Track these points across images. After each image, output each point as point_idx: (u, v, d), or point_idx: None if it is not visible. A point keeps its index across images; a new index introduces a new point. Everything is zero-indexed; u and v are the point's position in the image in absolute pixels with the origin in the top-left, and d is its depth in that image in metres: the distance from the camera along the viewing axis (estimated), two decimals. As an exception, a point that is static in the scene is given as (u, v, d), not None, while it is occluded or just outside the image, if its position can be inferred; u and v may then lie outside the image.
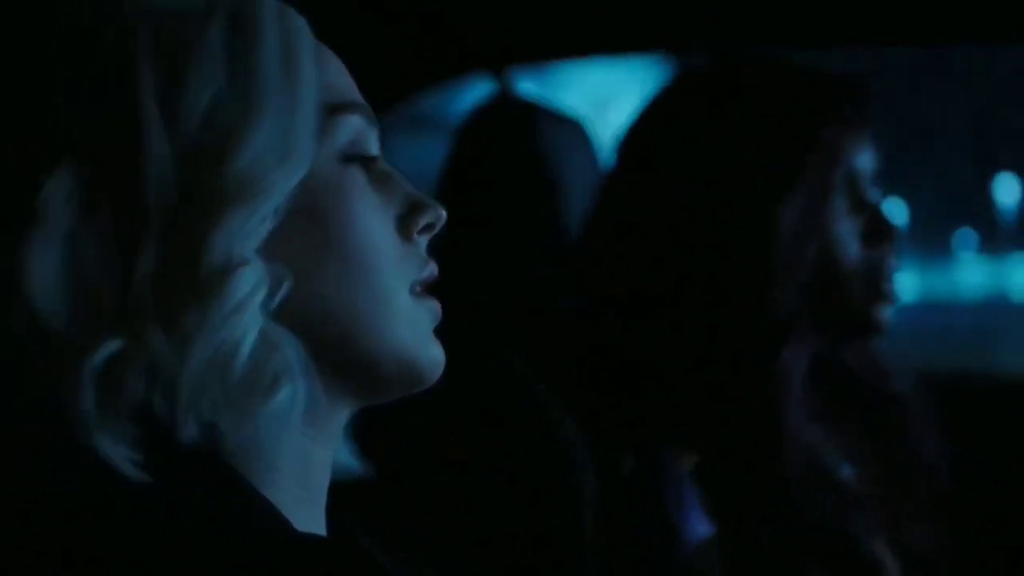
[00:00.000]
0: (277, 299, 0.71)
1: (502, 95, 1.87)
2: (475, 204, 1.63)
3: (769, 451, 1.26)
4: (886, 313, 1.33)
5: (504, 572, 1.17)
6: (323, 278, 0.74)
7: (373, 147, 0.79)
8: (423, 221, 0.79)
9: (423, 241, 0.79)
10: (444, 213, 0.80)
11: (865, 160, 1.32)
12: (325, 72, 0.78)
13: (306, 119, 0.74)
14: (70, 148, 0.71)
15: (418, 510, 1.11)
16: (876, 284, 1.31)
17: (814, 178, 1.28)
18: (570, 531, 1.21)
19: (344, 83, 0.79)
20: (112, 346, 0.68)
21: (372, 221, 0.76)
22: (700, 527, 1.27)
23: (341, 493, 0.80)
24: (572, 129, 1.69)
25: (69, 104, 0.71)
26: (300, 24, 0.78)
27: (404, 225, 0.78)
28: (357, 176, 0.76)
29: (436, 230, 0.80)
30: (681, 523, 1.26)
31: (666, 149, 1.33)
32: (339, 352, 0.75)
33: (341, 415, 0.78)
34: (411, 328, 0.77)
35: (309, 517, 0.75)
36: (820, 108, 1.30)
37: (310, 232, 0.74)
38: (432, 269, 0.79)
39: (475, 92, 1.85)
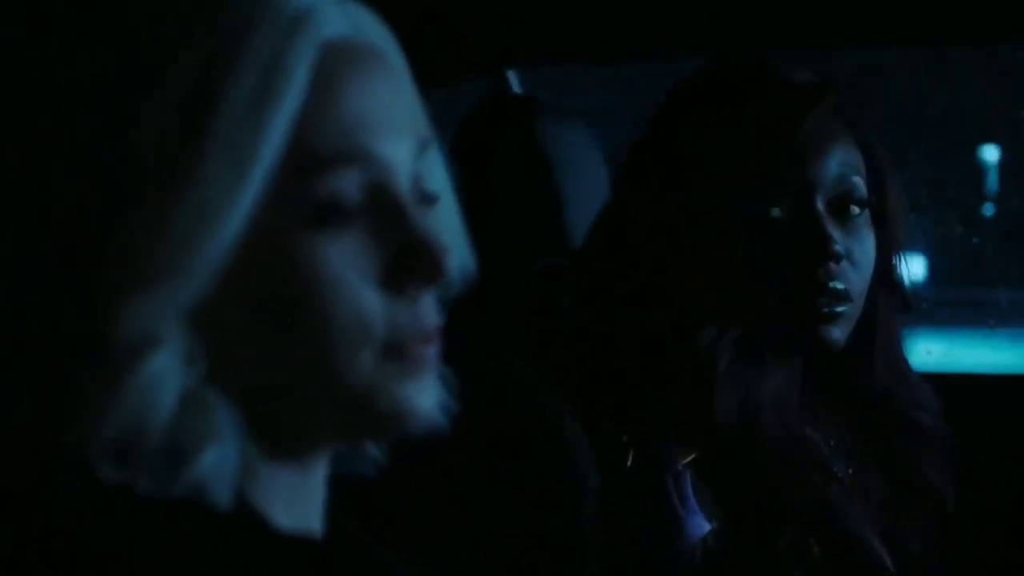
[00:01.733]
0: (196, 373, 0.66)
1: (503, 93, 1.87)
2: (476, 202, 1.63)
3: (732, 438, 1.26)
4: (819, 331, 1.27)
5: (505, 571, 1.17)
6: (264, 344, 0.68)
7: (384, 190, 0.70)
8: (415, 276, 0.70)
9: (423, 294, 0.71)
10: (446, 264, 0.70)
11: (819, 172, 1.28)
12: (340, 108, 0.69)
13: (257, 178, 0.66)
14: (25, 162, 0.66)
15: (419, 509, 1.11)
16: (804, 300, 1.27)
17: (751, 185, 1.26)
18: (571, 530, 1.21)
19: (366, 120, 0.70)
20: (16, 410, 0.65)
21: (334, 287, 0.68)
22: (701, 524, 1.27)
23: (343, 493, 0.80)
24: (574, 127, 1.69)
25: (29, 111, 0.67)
26: (309, 43, 0.68)
27: (393, 277, 0.70)
28: (324, 236, 0.68)
29: (437, 283, 0.71)
30: (682, 520, 1.26)
31: (657, 149, 1.34)
32: (288, 412, 0.70)
33: (322, 451, 0.76)
34: (372, 389, 0.70)
35: (299, 518, 0.74)
36: (787, 114, 1.28)
37: (255, 296, 0.67)
38: (425, 325, 0.71)
39: (476, 92, 1.85)
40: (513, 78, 1.91)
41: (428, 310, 0.72)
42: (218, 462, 0.66)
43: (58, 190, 0.65)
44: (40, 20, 0.68)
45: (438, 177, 0.76)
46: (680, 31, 1.75)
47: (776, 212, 1.27)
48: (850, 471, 1.34)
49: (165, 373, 0.65)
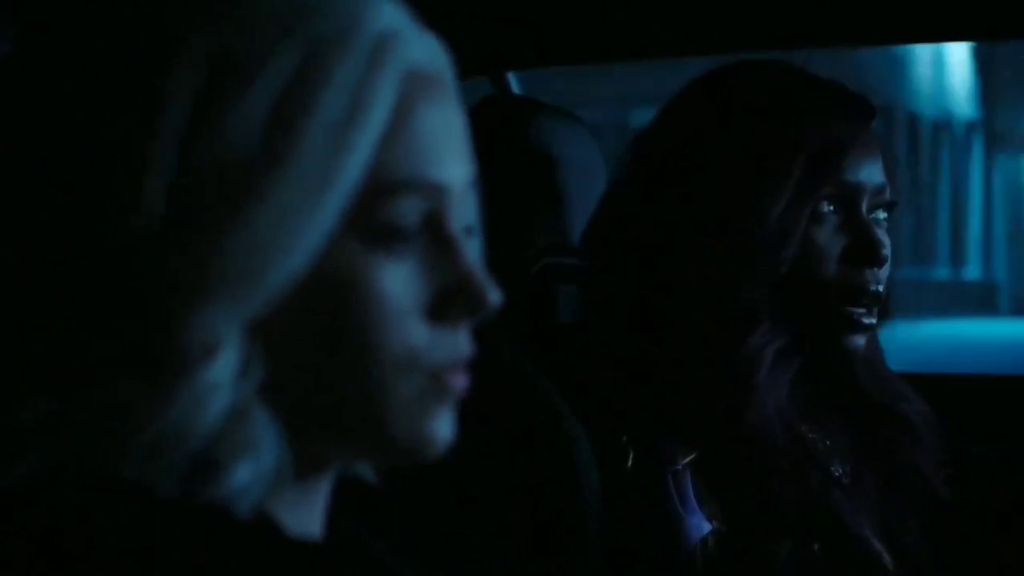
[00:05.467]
0: (249, 385, 0.66)
1: (502, 94, 1.87)
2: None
3: (742, 443, 1.27)
4: (856, 334, 1.30)
5: (508, 569, 1.17)
6: (312, 361, 0.68)
7: (439, 220, 0.71)
8: (457, 308, 0.70)
9: (463, 325, 0.71)
10: (491, 300, 0.71)
11: (867, 175, 1.31)
12: (413, 136, 0.69)
13: (335, 200, 0.66)
14: (73, 165, 0.65)
15: (419, 508, 1.11)
16: (849, 304, 1.29)
17: (801, 183, 1.27)
18: (573, 529, 1.21)
19: (434, 148, 0.70)
20: (41, 408, 0.64)
21: (385, 312, 0.68)
22: (701, 523, 1.27)
23: (343, 493, 0.79)
24: (572, 126, 1.69)
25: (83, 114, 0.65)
26: (393, 69, 0.68)
27: (439, 308, 0.70)
28: (384, 262, 0.68)
29: (478, 317, 0.71)
30: (682, 520, 1.26)
31: (664, 148, 1.34)
32: (322, 429, 0.70)
33: (338, 465, 0.76)
34: (406, 416, 0.70)
35: (301, 522, 0.74)
36: (817, 116, 1.30)
37: (310, 315, 0.67)
38: (460, 355, 0.71)
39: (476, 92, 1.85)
40: (512, 79, 1.91)
41: (464, 340, 0.72)
42: (251, 477, 0.66)
43: (126, 192, 0.64)
44: (123, 24, 0.67)
45: (473, 212, 0.77)
46: (683, 35, 1.76)
47: (827, 207, 1.28)
48: (846, 470, 1.34)
49: (219, 383, 0.64)
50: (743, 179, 1.28)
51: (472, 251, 0.74)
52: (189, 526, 0.64)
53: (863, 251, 1.29)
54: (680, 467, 1.28)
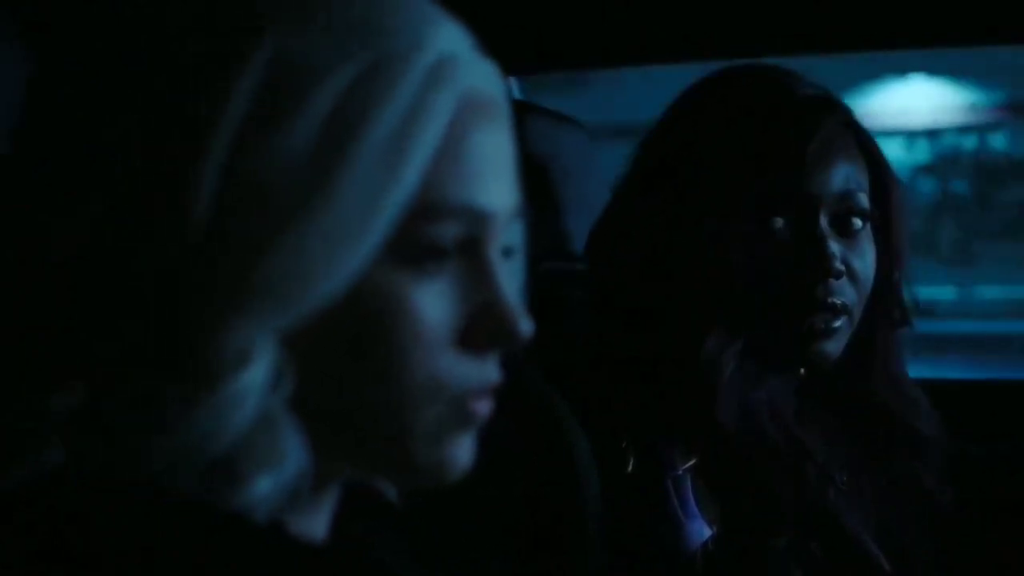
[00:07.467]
0: (280, 395, 0.65)
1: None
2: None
3: (737, 443, 1.26)
4: (815, 346, 1.27)
5: (508, 571, 1.17)
6: (342, 376, 0.67)
7: (477, 245, 0.70)
8: (486, 336, 0.70)
9: (492, 354, 0.71)
10: (522, 331, 0.71)
11: (824, 186, 1.27)
12: (462, 160, 0.68)
13: (381, 223, 0.65)
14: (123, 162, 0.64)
15: (422, 509, 1.11)
16: (802, 316, 1.26)
17: (754, 192, 1.25)
18: (573, 531, 1.21)
19: (481, 174, 0.69)
20: (69, 399, 0.63)
21: (412, 331, 0.67)
22: (702, 528, 1.27)
23: (348, 496, 0.79)
24: (573, 132, 1.69)
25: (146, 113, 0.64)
26: (450, 92, 0.67)
27: (468, 335, 0.69)
28: (416, 281, 0.67)
29: (506, 347, 0.71)
30: (682, 524, 1.26)
31: (657, 152, 1.34)
32: (341, 443, 0.70)
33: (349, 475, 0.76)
34: (425, 439, 0.70)
35: (307, 524, 0.74)
36: (776, 124, 1.27)
37: (340, 328, 0.66)
38: (486, 383, 0.71)
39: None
40: (513, 84, 1.91)
41: (492, 368, 0.71)
42: (271, 487, 0.66)
43: (173, 199, 0.63)
44: (178, 30, 0.66)
45: (517, 233, 0.76)
46: (682, 39, 1.76)
47: (779, 223, 1.26)
48: (845, 477, 1.33)
49: (250, 390, 0.64)
50: (706, 186, 1.26)
51: (508, 275, 0.73)
52: (191, 526, 0.64)
53: (813, 262, 1.25)
54: (680, 472, 1.28)
